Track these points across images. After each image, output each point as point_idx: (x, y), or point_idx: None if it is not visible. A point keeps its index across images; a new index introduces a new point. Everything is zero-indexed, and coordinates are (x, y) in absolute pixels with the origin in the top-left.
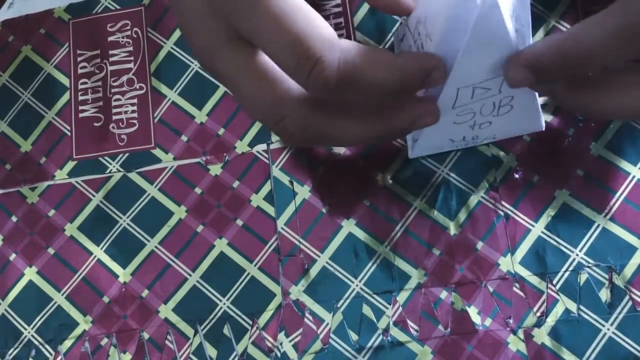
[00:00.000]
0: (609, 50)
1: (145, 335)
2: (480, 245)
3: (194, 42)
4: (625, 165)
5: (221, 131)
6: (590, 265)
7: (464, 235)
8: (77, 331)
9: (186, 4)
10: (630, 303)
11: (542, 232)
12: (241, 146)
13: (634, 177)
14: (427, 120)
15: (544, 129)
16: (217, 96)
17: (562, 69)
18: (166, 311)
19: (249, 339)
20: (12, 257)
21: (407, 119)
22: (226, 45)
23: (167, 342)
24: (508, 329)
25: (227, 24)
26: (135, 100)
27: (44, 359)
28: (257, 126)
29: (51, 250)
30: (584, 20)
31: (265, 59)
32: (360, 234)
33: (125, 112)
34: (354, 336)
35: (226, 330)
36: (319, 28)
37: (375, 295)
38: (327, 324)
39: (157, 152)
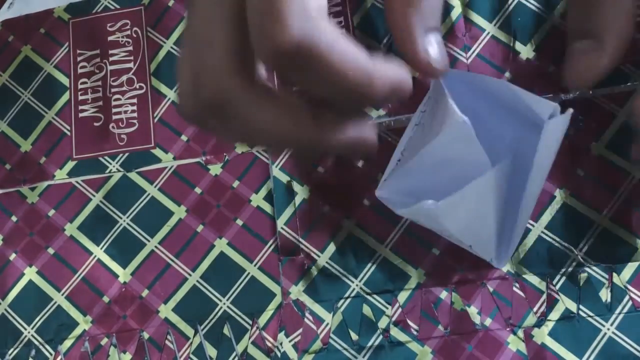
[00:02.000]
0: None
1: (145, 335)
2: None
3: None
4: (625, 165)
5: None
6: (590, 265)
7: None
8: (77, 331)
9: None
10: (630, 303)
11: (542, 231)
12: (241, 146)
13: (634, 177)
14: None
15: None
16: None
17: None
18: (166, 311)
19: (249, 338)
20: (12, 257)
21: (348, 133)
22: None
23: (167, 342)
24: (508, 329)
25: None
26: (135, 100)
27: (44, 358)
28: None
29: (51, 250)
30: None
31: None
32: (360, 234)
33: (125, 112)
34: (354, 336)
35: (226, 330)
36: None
37: (375, 295)
38: (327, 323)
39: (157, 151)
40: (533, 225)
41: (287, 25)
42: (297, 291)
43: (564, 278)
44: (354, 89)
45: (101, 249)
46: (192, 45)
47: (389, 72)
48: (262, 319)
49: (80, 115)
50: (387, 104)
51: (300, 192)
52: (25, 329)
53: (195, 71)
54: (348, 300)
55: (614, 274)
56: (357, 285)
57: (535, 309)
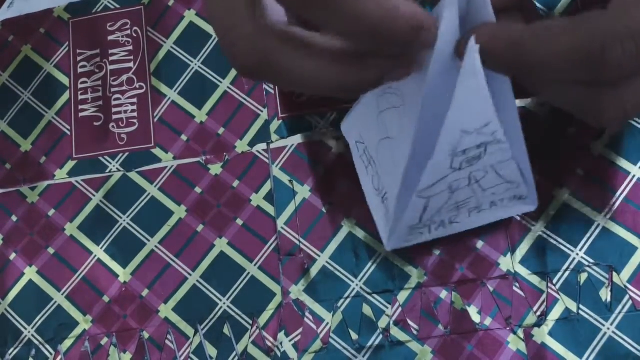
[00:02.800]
0: (560, 68)
1: (145, 335)
2: (480, 244)
3: None
4: (625, 164)
5: (221, 131)
6: (590, 264)
7: (464, 234)
8: (77, 331)
9: None
10: (630, 302)
11: (542, 231)
12: (241, 146)
13: (634, 176)
14: (399, 72)
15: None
16: (217, 96)
17: (509, 66)
18: (166, 311)
19: (249, 338)
20: (12, 256)
21: (376, 67)
22: None
23: (167, 341)
24: (508, 328)
25: None
26: (135, 100)
27: (44, 358)
28: (257, 126)
29: (51, 250)
30: (548, 22)
31: None
32: (360, 234)
33: (125, 112)
34: (354, 336)
35: (226, 330)
36: None
37: (375, 295)
38: (327, 323)
39: (157, 151)
40: (533, 225)
41: None
42: (297, 291)
43: (564, 278)
44: (374, 25)
45: (101, 248)
46: (215, 17)
47: (412, 9)
48: (262, 319)
49: (80, 115)
50: (412, 50)
51: (300, 192)
52: (26, 329)
53: (228, 41)
54: (348, 300)
55: (614, 274)
56: (357, 284)
57: (535, 309)
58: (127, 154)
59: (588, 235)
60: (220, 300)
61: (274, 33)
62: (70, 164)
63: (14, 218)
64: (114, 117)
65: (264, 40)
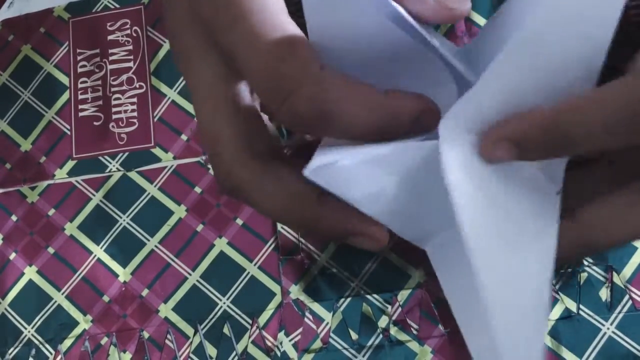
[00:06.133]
0: (610, 132)
1: (145, 335)
2: None
3: (173, 45)
4: None
5: None
6: (590, 264)
7: None
8: (77, 330)
9: (173, 4)
10: (630, 302)
11: None
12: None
13: None
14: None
15: None
16: None
17: (551, 148)
18: (166, 310)
19: (249, 338)
20: (12, 256)
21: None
22: (203, 52)
23: (167, 341)
24: None
25: (207, 32)
26: (135, 99)
27: (44, 358)
28: None
29: (51, 250)
30: (578, 97)
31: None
32: None
33: (125, 111)
34: (353, 335)
35: (226, 330)
36: (299, 49)
37: (375, 295)
38: (327, 323)
39: (157, 151)
40: None
41: (301, 96)
42: (297, 290)
43: (564, 277)
44: (375, 130)
45: (101, 248)
46: (203, 137)
47: (408, 101)
48: (262, 319)
49: (80, 114)
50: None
51: None
52: (26, 329)
53: (211, 161)
54: (348, 300)
55: (614, 274)
56: (357, 284)
57: None
58: (127, 153)
59: None
60: (220, 300)
61: (252, 167)
62: (70, 164)
63: (14, 218)
64: (114, 116)
65: (241, 172)
